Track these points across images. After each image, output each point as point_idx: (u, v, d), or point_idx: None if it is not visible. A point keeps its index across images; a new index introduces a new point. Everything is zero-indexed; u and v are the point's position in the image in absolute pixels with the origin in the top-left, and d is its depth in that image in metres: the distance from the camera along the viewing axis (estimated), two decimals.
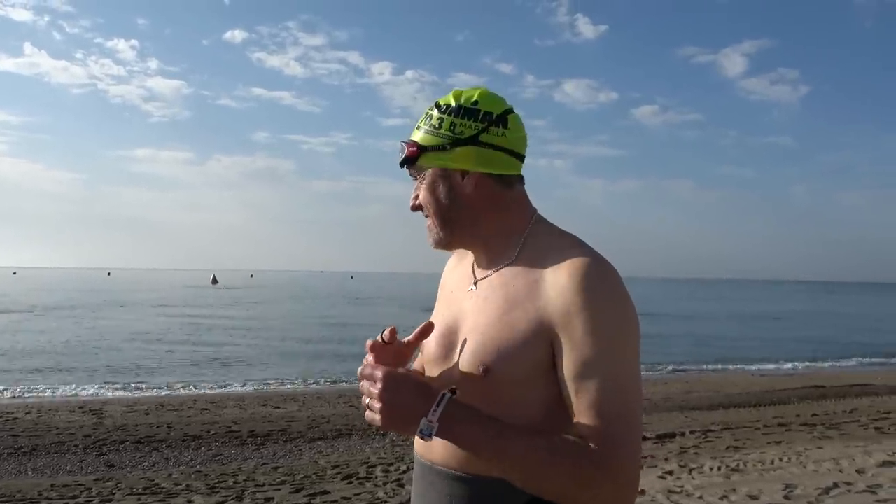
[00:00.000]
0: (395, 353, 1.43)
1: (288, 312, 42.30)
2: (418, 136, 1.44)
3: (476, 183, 1.40)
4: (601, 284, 1.28)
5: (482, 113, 1.40)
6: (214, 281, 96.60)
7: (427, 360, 1.48)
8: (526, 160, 1.46)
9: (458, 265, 1.58)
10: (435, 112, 1.43)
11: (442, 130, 1.40)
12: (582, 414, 1.24)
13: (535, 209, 1.47)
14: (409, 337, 1.45)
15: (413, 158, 1.43)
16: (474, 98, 1.42)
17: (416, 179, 1.47)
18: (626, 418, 1.23)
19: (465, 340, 1.39)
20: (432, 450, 1.38)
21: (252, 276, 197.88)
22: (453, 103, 1.42)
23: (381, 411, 1.25)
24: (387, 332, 1.43)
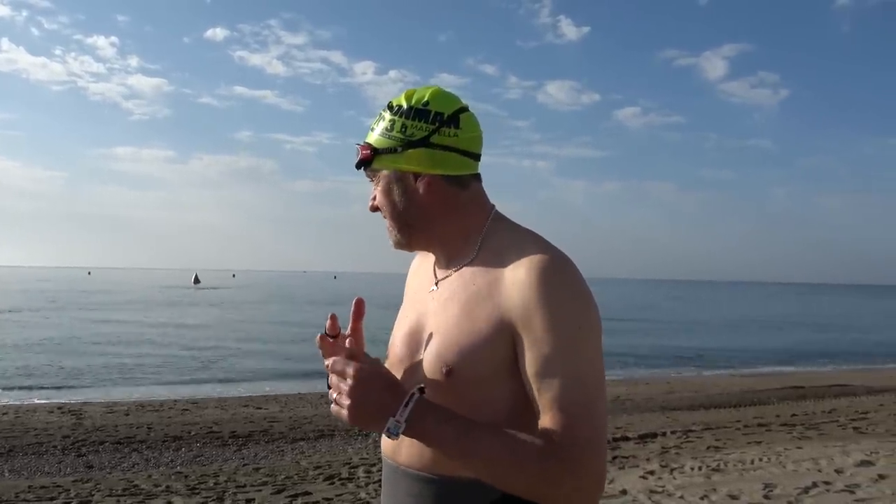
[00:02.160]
0: (345, 343, 1.41)
1: (271, 313, 42.07)
2: (372, 138, 1.43)
3: (428, 184, 1.39)
4: (560, 280, 1.28)
5: (433, 114, 1.38)
6: (196, 280, 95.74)
7: (393, 361, 1.47)
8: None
9: (422, 265, 1.57)
10: (387, 114, 1.42)
11: (394, 133, 1.39)
12: (545, 411, 1.24)
13: (493, 206, 1.47)
14: (350, 324, 1.42)
15: (368, 161, 1.43)
16: (425, 98, 1.40)
17: (372, 181, 1.47)
18: (589, 414, 1.22)
19: (427, 341, 1.38)
20: (399, 451, 1.38)
21: (234, 275, 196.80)
22: (405, 104, 1.40)
23: (350, 408, 1.25)
24: (328, 324, 1.39)
